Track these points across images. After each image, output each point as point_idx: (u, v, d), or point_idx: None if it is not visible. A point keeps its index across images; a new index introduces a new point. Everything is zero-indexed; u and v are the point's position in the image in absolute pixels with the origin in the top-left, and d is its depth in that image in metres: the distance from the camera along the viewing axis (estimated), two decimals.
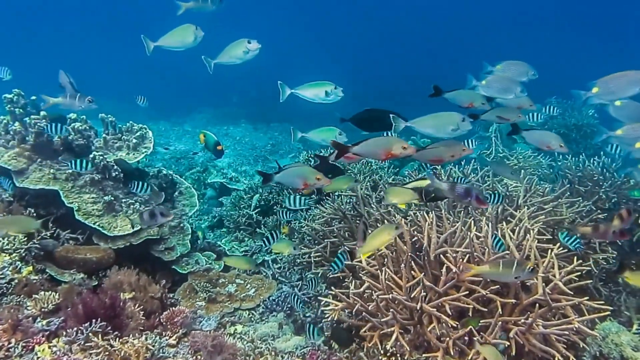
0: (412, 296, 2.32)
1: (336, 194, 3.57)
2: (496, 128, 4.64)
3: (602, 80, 2.85)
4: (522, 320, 2.21)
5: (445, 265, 2.38)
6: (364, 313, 2.36)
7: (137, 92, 3.38)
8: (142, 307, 2.42)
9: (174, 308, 2.51)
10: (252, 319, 3.09)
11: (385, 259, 2.57)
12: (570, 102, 6.24)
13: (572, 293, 2.31)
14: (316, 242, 3.43)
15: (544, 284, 2.32)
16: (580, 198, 3.36)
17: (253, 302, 3.18)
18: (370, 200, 3.53)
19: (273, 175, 2.65)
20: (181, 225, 3.57)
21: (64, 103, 2.97)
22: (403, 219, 2.77)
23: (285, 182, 2.72)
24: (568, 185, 3.42)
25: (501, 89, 2.90)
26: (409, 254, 2.52)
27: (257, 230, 3.97)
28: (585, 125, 5.69)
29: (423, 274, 2.37)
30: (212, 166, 6.10)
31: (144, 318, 2.35)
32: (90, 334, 2.07)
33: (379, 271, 2.48)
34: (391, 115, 2.79)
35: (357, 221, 3.27)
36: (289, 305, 3.12)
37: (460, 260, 2.38)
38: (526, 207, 3.00)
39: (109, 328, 2.11)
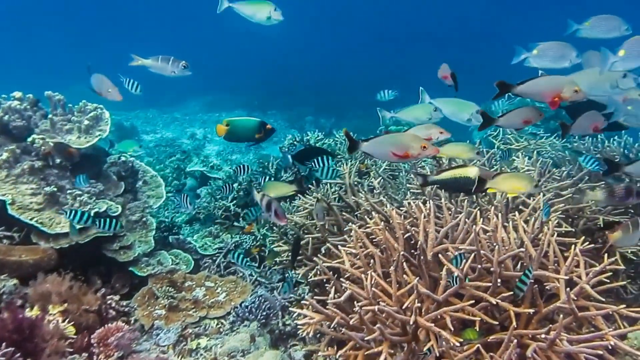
0: (404, 306, 1.87)
1: (325, 182, 3.10)
2: (503, 109, 4.17)
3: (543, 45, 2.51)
4: (543, 335, 1.75)
5: (446, 266, 1.92)
6: (344, 329, 1.90)
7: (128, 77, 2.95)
8: (74, 322, 1.98)
9: (110, 325, 2.06)
10: (221, 329, 2.64)
11: (372, 260, 2.12)
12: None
13: (602, 299, 1.86)
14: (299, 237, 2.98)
15: (568, 287, 1.87)
16: (601, 182, 2.89)
17: (222, 310, 2.73)
18: (360, 189, 3.07)
19: (360, 143, 2.16)
20: (144, 219, 3.11)
21: (154, 66, 2.71)
22: (395, 210, 2.31)
23: (376, 153, 2.21)
24: (587, 169, 2.94)
25: (556, 57, 2.49)
26: (402, 252, 2.07)
27: (235, 223, 3.52)
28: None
29: (417, 278, 1.91)
30: (196, 155, 5.65)
31: (74, 337, 1.91)
32: None
33: (363, 275, 2.02)
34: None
35: (343, 213, 2.82)
36: (265, 313, 2.67)
37: (464, 261, 1.92)
38: (541, 194, 2.53)
39: (18, 355, 1.66)
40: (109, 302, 2.57)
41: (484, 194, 2.37)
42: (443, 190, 2.59)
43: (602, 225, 2.57)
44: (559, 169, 2.84)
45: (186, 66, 2.72)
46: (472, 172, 2.05)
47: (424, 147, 2.08)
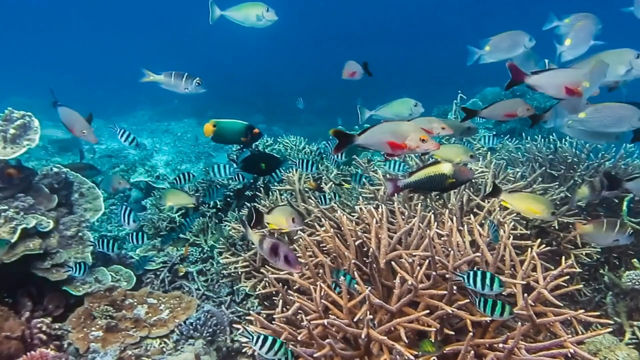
0: (355, 319, 1.74)
1: (280, 190, 2.96)
2: (456, 110, 4.14)
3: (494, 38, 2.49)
4: (501, 345, 1.66)
5: (399, 274, 1.81)
6: (290, 345, 1.76)
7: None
8: None
9: (33, 353, 1.84)
10: (164, 349, 2.44)
11: (322, 269, 1.98)
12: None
13: (561, 304, 1.78)
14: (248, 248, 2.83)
15: (525, 293, 1.79)
16: (556, 184, 2.87)
17: (166, 328, 2.53)
18: (313, 195, 2.94)
19: (355, 137, 1.86)
20: (80, 234, 2.88)
21: (167, 82, 2.59)
22: (345, 216, 2.18)
23: (372, 142, 1.91)
24: (542, 169, 2.91)
25: (509, 47, 2.47)
26: (353, 261, 1.94)
27: (181, 235, 3.32)
28: (548, 107, 5.25)
29: (369, 288, 1.79)
30: (142, 165, 5.38)
31: None
32: None
33: (312, 286, 1.88)
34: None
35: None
36: (212, 329, 2.50)
37: (418, 267, 1.81)
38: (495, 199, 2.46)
39: None
40: (38, 325, 2.35)
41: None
42: (416, 193, 2.50)
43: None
44: (513, 170, 2.79)
45: (200, 83, 2.60)
46: (446, 168, 1.93)
47: (423, 139, 1.86)
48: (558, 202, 2.83)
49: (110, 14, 20.75)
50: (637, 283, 2.29)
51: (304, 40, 18.09)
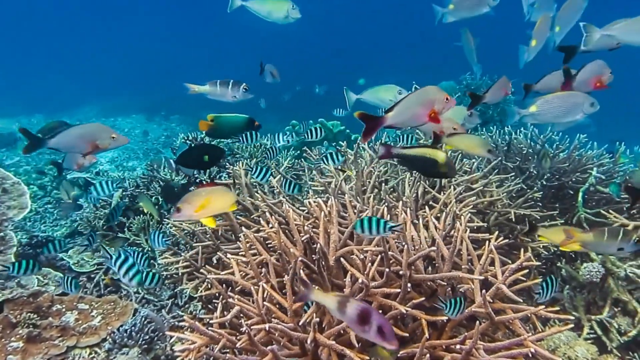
0: (301, 322, 1.57)
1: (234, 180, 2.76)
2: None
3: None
4: (458, 346, 1.53)
5: (350, 272, 1.66)
6: (228, 355, 1.58)
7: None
8: None
9: None
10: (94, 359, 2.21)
11: (265, 268, 1.81)
12: (485, 79, 5.80)
13: (520, 300, 1.67)
14: (190, 246, 2.62)
15: (483, 290, 1.67)
16: (512, 175, 2.79)
17: (97, 336, 2.30)
18: (262, 189, 2.76)
19: (384, 118, 1.79)
20: (2, 234, 2.60)
21: (213, 92, 2.49)
22: (292, 210, 2.02)
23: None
24: (498, 159, 2.83)
25: (472, 5, 2.44)
26: (300, 258, 1.78)
27: (119, 235, 3.08)
28: (502, 101, 5.25)
29: (316, 288, 1.63)
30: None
31: None
32: None
33: (254, 287, 1.71)
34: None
35: (240, 217, 2.49)
36: (149, 336, 2.28)
37: (369, 264, 1.66)
38: (452, 188, 2.35)
39: None
40: None
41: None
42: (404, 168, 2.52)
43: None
44: (468, 161, 2.69)
45: (247, 89, 2.52)
46: (440, 156, 1.82)
47: (447, 99, 1.81)
48: (514, 194, 2.75)
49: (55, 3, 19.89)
50: (594, 276, 2.22)
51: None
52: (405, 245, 1.67)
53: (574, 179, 3.01)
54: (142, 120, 8.71)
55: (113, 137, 2.08)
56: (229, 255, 1.90)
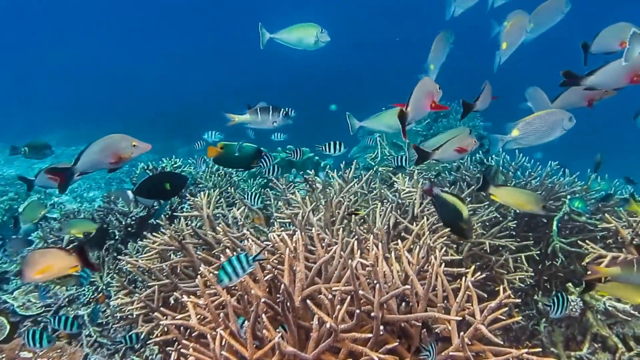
0: None
1: (183, 213, 2.59)
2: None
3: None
4: None
5: (317, 315, 1.51)
6: None
7: None
8: None
9: None
10: None
11: (224, 310, 1.64)
12: (454, 105, 5.81)
13: (501, 342, 1.55)
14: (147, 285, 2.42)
15: (461, 331, 1.55)
16: (485, 204, 2.71)
17: None
18: (226, 221, 2.60)
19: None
20: None
21: (253, 120, 2.51)
22: (256, 245, 1.87)
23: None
24: (471, 189, 2.74)
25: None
26: (263, 299, 1.62)
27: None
28: (472, 127, 5.25)
29: (280, 334, 1.47)
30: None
31: None
32: None
33: (211, 333, 1.54)
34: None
35: (200, 252, 2.32)
36: None
37: (338, 306, 1.52)
38: (425, 218, 2.25)
39: None
40: None
41: None
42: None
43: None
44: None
45: (288, 113, 2.58)
46: (465, 212, 1.85)
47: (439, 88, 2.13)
48: (487, 223, 2.67)
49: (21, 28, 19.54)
50: (573, 310, 2.13)
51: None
52: (377, 284, 1.54)
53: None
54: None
55: (134, 145, 2.07)
56: (184, 298, 1.72)
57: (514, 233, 2.75)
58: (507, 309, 1.66)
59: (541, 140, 2.20)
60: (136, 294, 2.30)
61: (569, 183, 3.05)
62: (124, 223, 2.98)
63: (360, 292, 1.56)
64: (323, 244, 1.90)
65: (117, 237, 2.98)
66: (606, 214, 2.47)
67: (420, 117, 2.25)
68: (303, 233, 2.10)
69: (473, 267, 1.82)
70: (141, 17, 20.34)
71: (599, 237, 2.79)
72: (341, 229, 2.03)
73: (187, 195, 2.81)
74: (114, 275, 2.65)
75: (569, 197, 2.72)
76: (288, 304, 1.63)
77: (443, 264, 1.79)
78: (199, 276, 1.76)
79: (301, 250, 1.77)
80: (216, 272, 1.85)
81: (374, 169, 3.35)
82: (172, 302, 2.14)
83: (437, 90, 2.10)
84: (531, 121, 2.18)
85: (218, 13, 20.78)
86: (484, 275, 1.91)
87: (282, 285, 1.59)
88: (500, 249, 2.52)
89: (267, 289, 1.78)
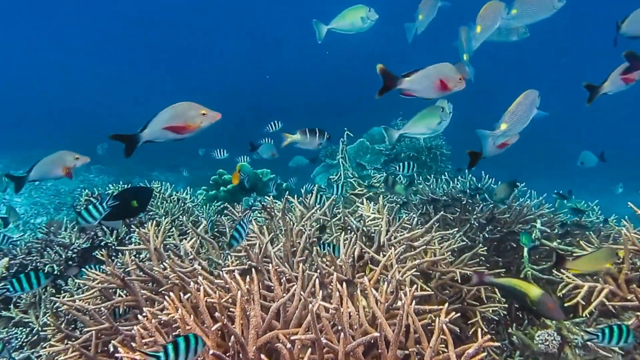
0: None
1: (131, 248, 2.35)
2: (342, 149, 3.82)
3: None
4: None
5: None
6: None
7: None
8: None
9: None
10: None
11: None
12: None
13: None
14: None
15: None
16: (455, 230, 2.57)
17: None
18: (177, 253, 2.38)
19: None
20: None
21: (302, 141, 2.68)
22: (205, 285, 1.65)
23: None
24: (439, 214, 2.60)
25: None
26: (211, 352, 1.41)
27: (2, 313, 2.56)
28: (434, 147, 5.18)
29: None
30: None
31: None
32: None
33: None
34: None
35: (143, 291, 2.08)
36: None
37: (300, 355, 1.32)
38: (392, 248, 2.08)
39: None
40: None
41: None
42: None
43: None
44: (408, 216, 2.45)
45: (329, 138, 2.70)
46: (533, 292, 1.71)
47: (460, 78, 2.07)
48: (455, 249, 2.53)
49: None
50: (550, 346, 1.99)
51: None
52: (342, 331, 1.36)
53: (515, 230, 2.84)
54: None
55: (204, 114, 1.94)
56: (121, 352, 1.49)
57: (483, 258, 2.63)
58: (485, 354, 1.50)
59: (525, 124, 2.22)
60: (73, 339, 2.04)
61: (535, 205, 2.97)
62: (64, 256, 2.71)
63: (324, 340, 1.37)
64: (282, 281, 1.71)
65: (55, 271, 2.70)
66: (580, 241, 2.37)
67: (423, 96, 2.14)
68: (260, 268, 1.90)
69: (446, 304, 1.66)
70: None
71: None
72: (301, 263, 1.84)
73: (135, 223, 2.57)
74: (52, 315, 2.37)
75: (538, 220, 2.62)
76: (240, 355, 1.43)
77: (414, 302, 1.62)
78: (136, 327, 1.53)
79: (257, 291, 1.57)
80: (161, 315, 1.63)
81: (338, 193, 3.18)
82: (112, 349, 1.90)
83: (455, 79, 2.07)
84: (514, 110, 2.19)
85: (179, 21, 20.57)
86: (458, 315, 1.75)
87: (233, 338, 1.38)
88: (468, 275, 2.38)
89: (219, 334, 1.57)
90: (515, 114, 2.19)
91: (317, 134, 2.64)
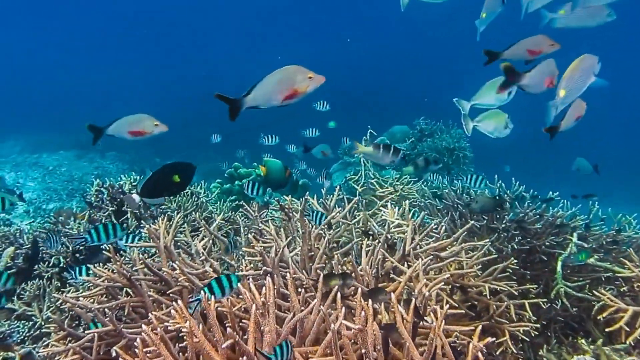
0: None
1: (130, 243, 2.23)
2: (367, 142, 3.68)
3: None
4: None
5: None
6: None
7: None
8: None
9: None
10: None
11: None
12: (439, 124, 5.57)
13: None
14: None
15: None
16: (487, 241, 2.39)
17: None
18: (188, 250, 2.25)
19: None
20: None
21: (375, 155, 2.64)
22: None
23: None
24: (471, 222, 2.43)
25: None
26: None
27: (5, 305, 2.46)
28: (457, 148, 5.00)
29: None
30: None
31: None
32: None
33: None
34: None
35: (150, 293, 1.96)
36: None
37: None
38: (420, 258, 1.93)
39: None
40: None
41: None
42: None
43: None
44: (435, 223, 2.28)
45: (405, 157, 2.71)
46: None
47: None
48: (485, 263, 2.36)
49: None
50: None
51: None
52: (367, 356, 1.21)
53: (547, 243, 2.67)
54: (70, 157, 7.95)
55: (310, 78, 1.91)
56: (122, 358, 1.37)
57: (510, 271, 2.46)
58: None
59: (582, 90, 2.11)
60: (75, 339, 1.92)
61: (568, 217, 2.79)
62: (70, 248, 2.60)
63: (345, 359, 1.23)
64: (299, 290, 1.57)
65: (61, 264, 2.59)
66: (621, 258, 2.20)
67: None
68: (275, 276, 1.76)
69: (480, 325, 1.51)
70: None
71: (603, 279, 2.53)
72: (321, 275, 1.69)
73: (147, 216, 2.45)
74: (55, 310, 2.26)
75: (575, 234, 2.44)
76: None
77: (443, 322, 1.47)
78: (138, 340, 1.40)
79: (272, 303, 1.43)
80: (172, 327, 1.50)
81: (357, 192, 3.04)
82: (114, 353, 1.77)
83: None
84: (570, 76, 2.08)
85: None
86: (493, 339, 1.59)
87: (245, 354, 1.24)
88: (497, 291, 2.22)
89: (231, 349, 1.44)
90: (572, 79, 2.07)
91: (392, 152, 2.56)
